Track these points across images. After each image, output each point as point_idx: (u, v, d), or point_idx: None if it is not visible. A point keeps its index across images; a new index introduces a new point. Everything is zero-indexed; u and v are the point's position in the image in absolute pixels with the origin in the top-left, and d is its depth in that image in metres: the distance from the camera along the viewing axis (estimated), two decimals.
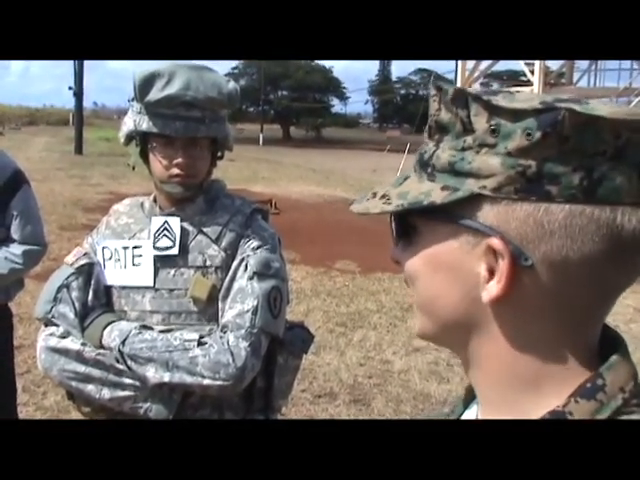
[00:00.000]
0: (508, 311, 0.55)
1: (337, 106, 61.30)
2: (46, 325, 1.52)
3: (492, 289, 0.54)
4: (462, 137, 0.56)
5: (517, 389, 0.56)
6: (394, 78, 70.56)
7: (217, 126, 1.49)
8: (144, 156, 1.52)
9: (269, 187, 12.93)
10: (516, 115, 0.52)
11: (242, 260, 1.48)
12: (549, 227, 0.51)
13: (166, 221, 1.51)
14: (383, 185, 0.63)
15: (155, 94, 1.42)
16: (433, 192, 0.56)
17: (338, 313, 5.62)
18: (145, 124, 1.45)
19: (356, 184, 17.77)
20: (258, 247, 1.50)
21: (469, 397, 0.68)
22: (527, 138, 0.51)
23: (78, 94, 24.21)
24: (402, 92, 67.59)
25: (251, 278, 1.46)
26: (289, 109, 52.23)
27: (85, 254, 1.56)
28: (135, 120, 1.48)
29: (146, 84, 1.42)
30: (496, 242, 0.53)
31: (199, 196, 1.54)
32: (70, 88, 24.32)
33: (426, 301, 0.60)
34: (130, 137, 1.51)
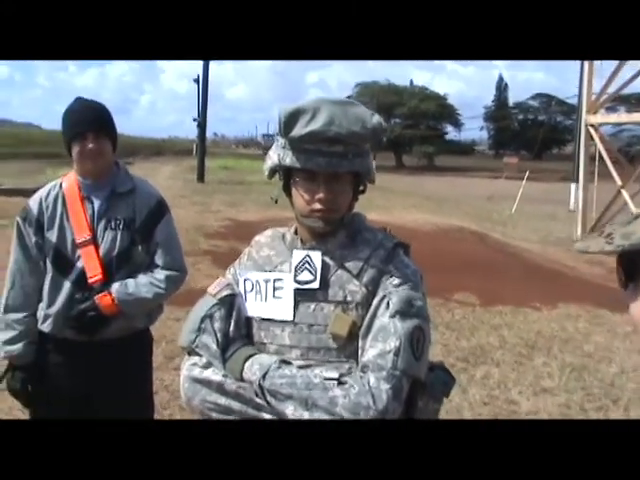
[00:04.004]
0: None
1: (451, 133, 60.66)
2: (189, 354, 1.55)
3: None
4: None
5: None
6: (511, 104, 68.94)
7: (360, 161, 1.46)
8: (287, 190, 1.53)
9: (383, 215, 12.88)
10: None
11: (383, 297, 1.44)
12: None
13: (307, 255, 1.50)
14: (614, 223, 0.58)
15: (299, 130, 1.42)
16: None
17: (459, 347, 5.45)
18: (288, 159, 1.46)
19: (471, 212, 17.37)
20: (400, 284, 1.45)
21: None
22: None
23: (202, 125, 25.48)
24: (520, 117, 65.83)
25: (393, 316, 1.42)
26: (402, 137, 52.25)
27: (228, 285, 1.58)
28: (279, 154, 1.49)
29: (291, 120, 1.43)
30: None
31: (340, 230, 1.52)
32: (194, 119, 25.68)
33: None
34: (274, 171, 1.53)
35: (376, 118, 1.45)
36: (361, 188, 1.55)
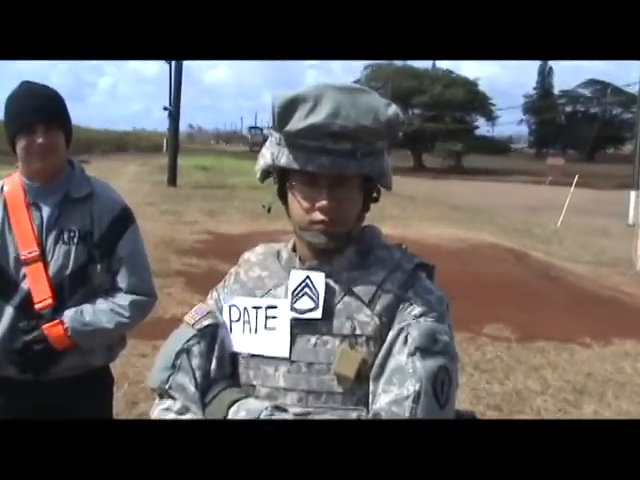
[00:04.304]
0: None
1: (483, 127, 60.97)
2: (161, 397, 1.56)
3: None
4: None
5: None
6: (557, 92, 69.40)
7: (371, 161, 1.47)
8: (282, 196, 1.55)
9: (398, 229, 12.92)
10: None
11: (401, 330, 1.46)
12: None
13: (308, 276, 1.51)
14: None
15: (297, 123, 1.43)
16: None
17: (490, 393, 5.45)
18: (284, 158, 1.47)
19: (509, 226, 17.44)
20: (421, 314, 1.47)
21: None
22: None
23: (174, 115, 25.50)
24: (568, 109, 66.20)
25: (412, 354, 1.43)
26: (422, 131, 52.41)
27: (209, 313, 1.60)
28: (273, 153, 1.49)
29: (287, 110, 1.43)
30: None
31: (349, 246, 1.54)
32: (165, 108, 25.67)
33: None
34: (267, 172, 1.54)
35: (392, 109, 1.46)
36: (374, 195, 1.57)
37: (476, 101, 56.71)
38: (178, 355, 1.55)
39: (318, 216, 1.47)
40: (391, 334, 1.46)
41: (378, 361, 1.46)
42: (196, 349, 1.55)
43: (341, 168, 1.44)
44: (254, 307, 1.56)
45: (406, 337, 1.44)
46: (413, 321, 1.46)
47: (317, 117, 1.42)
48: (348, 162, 1.44)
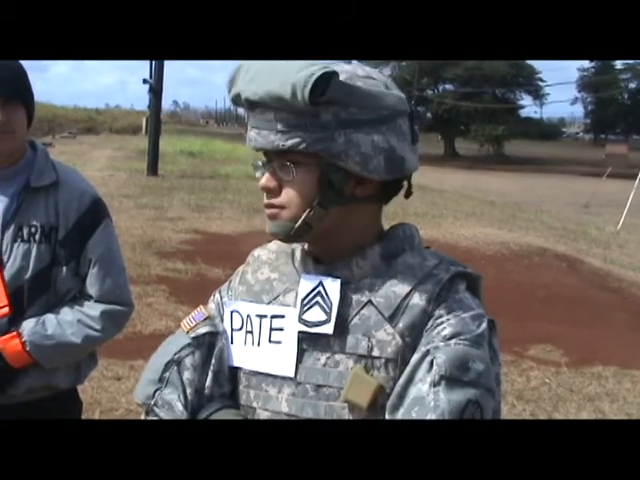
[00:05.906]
0: None
1: (529, 107, 60.91)
2: (147, 414, 1.58)
3: None
4: None
5: None
6: (619, 65, 69.17)
7: (311, 137, 1.43)
8: None
9: (425, 228, 12.89)
10: None
11: (426, 353, 1.42)
12: None
13: (321, 282, 1.51)
14: None
15: (231, 92, 1.51)
16: None
17: None
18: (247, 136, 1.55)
19: (559, 226, 17.40)
20: (453, 336, 1.43)
21: None
22: None
23: (156, 89, 25.43)
24: (632, 86, 65.96)
25: (436, 384, 1.40)
26: (455, 112, 52.32)
27: (207, 319, 1.61)
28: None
29: (232, 79, 1.50)
30: None
31: (373, 247, 1.52)
32: (145, 81, 25.59)
33: None
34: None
35: (305, 72, 1.40)
36: (348, 183, 1.49)
37: (521, 75, 56.53)
38: (167, 367, 1.56)
39: (264, 199, 1.51)
40: (415, 357, 1.43)
41: (397, 389, 1.44)
42: (188, 361, 1.56)
43: (260, 142, 1.47)
44: (258, 315, 1.56)
45: (431, 362, 1.41)
46: (441, 343, 1.42)
47: (238, 84, 1.48)
48: (269, 135, 1.45)
